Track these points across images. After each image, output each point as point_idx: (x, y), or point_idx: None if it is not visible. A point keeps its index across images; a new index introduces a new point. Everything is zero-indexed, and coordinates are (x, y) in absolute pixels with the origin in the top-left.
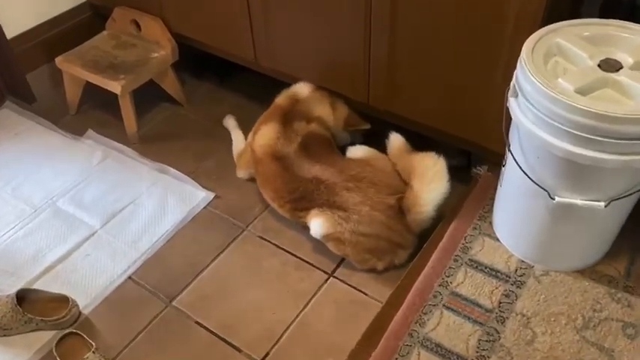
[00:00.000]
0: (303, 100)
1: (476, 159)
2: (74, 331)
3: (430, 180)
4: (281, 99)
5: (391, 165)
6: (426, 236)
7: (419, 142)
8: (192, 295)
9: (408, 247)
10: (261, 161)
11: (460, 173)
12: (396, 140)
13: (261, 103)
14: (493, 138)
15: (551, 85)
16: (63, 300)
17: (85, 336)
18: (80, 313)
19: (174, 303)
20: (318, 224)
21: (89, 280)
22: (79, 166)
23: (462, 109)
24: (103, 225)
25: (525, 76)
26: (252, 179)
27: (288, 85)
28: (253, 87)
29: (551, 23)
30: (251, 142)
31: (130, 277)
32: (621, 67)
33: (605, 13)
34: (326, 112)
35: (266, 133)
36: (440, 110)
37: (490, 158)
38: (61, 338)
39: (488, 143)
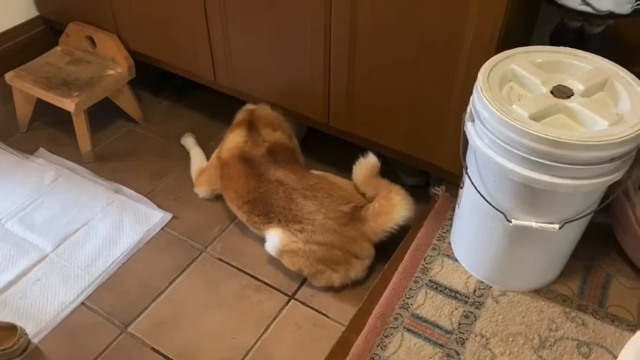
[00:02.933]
0: (266, 115)
1: (434, 179)
2: None
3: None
4: (243, 114)
5: (352, 186)
6: (382, 249)
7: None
8: (148, 321)
9: (363, 257)
10: (228, 163)
11: (419, 192)
12: (371, 161)
13: (220, 120)
14: (450, 159)
15: (506, 112)
16: (10, 329)
17: None
18: (29, 342)
19: (129, 329)
20: (275, 235)
21: (39, 306)
22: (29, 186)
23: (420, 131)
24: (54, 248)
25: (482, 102)
26: (210, 199)
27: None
28: (212, 104)
29: (506, 48)
30: (218, 152)
31: (83, 303)
32: (572, 94)
33: (555, 40)
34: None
35: (234, 138)
36: (398, 131)
37: (448, 179)
38: None
39: (445, 164)
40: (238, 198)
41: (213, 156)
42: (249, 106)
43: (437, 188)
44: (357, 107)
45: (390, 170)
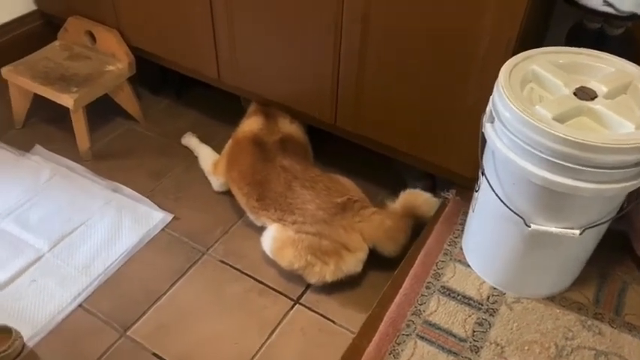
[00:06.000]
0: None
1: (441, 183)
2: None
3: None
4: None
5: (354, 185)
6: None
7: (383, 164)
8: (148, 325)
9: (354, 250)
10: (239, 142)
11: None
12: (426, 197)
13: (220, 119)
14: (461, 162)
15: (529, 112)
16: (5, 331)
17: None
18: (24, 345)
19: (129, 333)
20: (270, 229)
21: (35, 308)
22: (24, 183)
23: (431, 133)
24: (51, 248)
25: (503, 102)
26: (211, 200)
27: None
28: (212, 103)
29: (523, 49)
30: (233, 136)
31: (80, 305)
32: (596, 96)
33: (573, 41)
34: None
35: (250, 124)
36: (408, 133)
37: (459, 182)
38: None
39: (456, 167)
40: (241, 179)
41: (229, 142)
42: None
43: (447, 192)
44: (365, 108)
45: (395, 174)
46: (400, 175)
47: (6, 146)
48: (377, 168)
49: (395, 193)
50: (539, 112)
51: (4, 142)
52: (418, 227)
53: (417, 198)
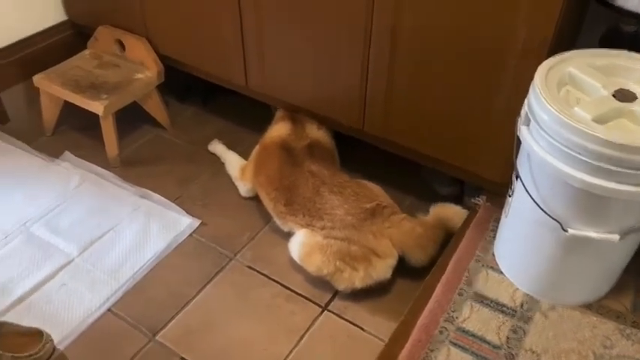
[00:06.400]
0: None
1: (469, 188)
2: None
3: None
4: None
5: (382, 191)
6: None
7: (409, 170)
8: (177, 329)
9: (384, 256)
10: (267, 148)
11: (453, 203)
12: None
13: (245, 127)
14: (492, 168)
15: (568, 114)
16: (36, 334)
17: None
18: (55, 348)
19: (157, 337)
20: (298, 235)
21: (65, 312)
22: (54, 189)
23: (461, 138)
24: (80, 253)
25: (541, 104)
26: (239, 206)
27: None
28: (237, 111)
29: (556, 51)
30: (261, 142)
31: (109, 310)
32: (636, 98)
33: (607, 43)
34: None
35: (278, 129)
36: (437, 138)
37: (488, 188)
38: None
39: (486, 173)
40: (269, 183)
41: (256, 148)
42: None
43: (477, 198)
44: (394, 113)
45: (421, 180)
46: (427, 181)
47: (36, 153)
48: (403, 174)
49: (421, 199)
50: (578, 113)
51: (35, 149)
52: (446, 241)
53: (448, 210)
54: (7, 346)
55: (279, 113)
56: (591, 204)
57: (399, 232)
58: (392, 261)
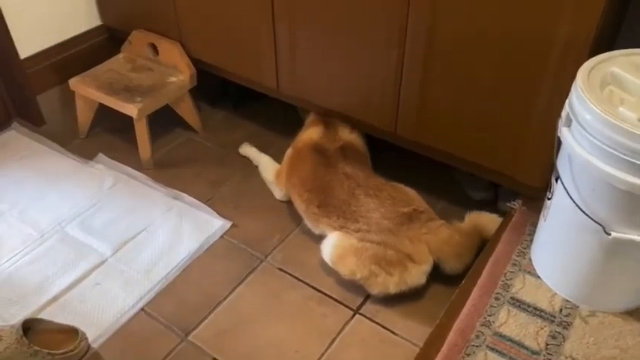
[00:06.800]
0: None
1: (504, 193)
2: None
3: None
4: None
5: (418, 196)
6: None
7: (440, 174)
8: (209, 330)
9: (420, 262)
10: (300, 151)
11: (487, 208)
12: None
13: (276, 131)
14: (529, 171)
15: (613, 114)
16: (71, 332)
17: None
18: (89, 346)
19: (189, 337)
20: (330, 237)
21: (99, 311)
22: (88, 190)
23: (497, 141)
24: (114, 252)
25: (584, 104)
26: (271, 209)
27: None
28: (268, 115)
29: (597, 52)
30: (293, 145)
31: (142, 309)
32: None
33: None
34: None
35: (310, 133)
36: (473, 141)
37: (524, 193)
38: None
39: (523, 177)
40: (301, 185)
41: (288, 152)
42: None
43: (513, 202)
44: (428, 115)
45: (453, 184)
46: (460, 185)
47: (71, 155)
48: (434, 178)
49: (453, 203)
50: (623, 113)
51: (70, 151)
52: (481, 248)
53: (484, 218)
54: (43, 343)
55: (309, 118)
56: (635, 206)
57: (437, 239)
58: (427, 267)
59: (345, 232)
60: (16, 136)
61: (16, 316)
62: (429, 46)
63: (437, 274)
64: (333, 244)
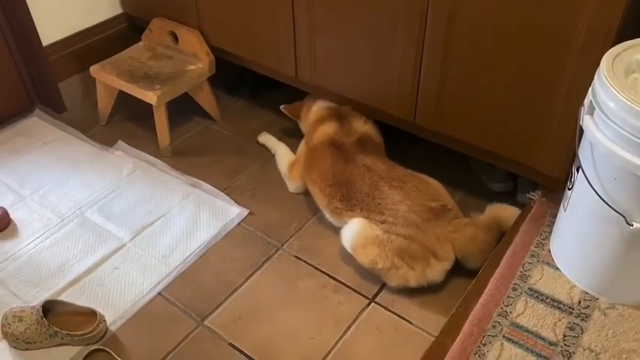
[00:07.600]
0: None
1: (522, 184)
2: (101, 347)
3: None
4: (329, 109)
5: (442, 188)
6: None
7: (459, 166)
8: (225, 315)
9: (443, 259)
10: (316, 148)
11: (506, 199)
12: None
13: (293, 120)
14: (548, 161)
15: (638, 102)
16: (90, 314)
17: (112, 353)
18: (107, 328)
19: (206, 322)
20: (354, 222)
21: (117, 294)
22: (108, 176)
23: (517, 131)
24: (132, 238)
25: (608, 92)
26: (287, 198)
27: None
28: (286, 103)
29: (621, 39)
30: (306, 141)
31: (159, 294)
32: None
33: None
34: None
35: (324, 129)
36: (492, 131)
37: (543, 183)
38: (87, 355)
39: (543, 167)
40: (322, 180)
41: (302, 147)
42: (330, 104)
43: (532, 193)
44: (447, 105)
45: (470, 174)
46: (478, 176)
47: (91, 141)
48: (452, 169)
49: (472, 194)
50: None
51: (90, 137)
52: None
53: (505, 212)
54: (62, 324)
55: (319, 116)
56: None
57: (463, 238)
58: (448, 265)
59: (369, 220)
60: (38, 122)
61: (37, 298)
62: (450, 32)
63: (455, 268)
64: (355, 231)
